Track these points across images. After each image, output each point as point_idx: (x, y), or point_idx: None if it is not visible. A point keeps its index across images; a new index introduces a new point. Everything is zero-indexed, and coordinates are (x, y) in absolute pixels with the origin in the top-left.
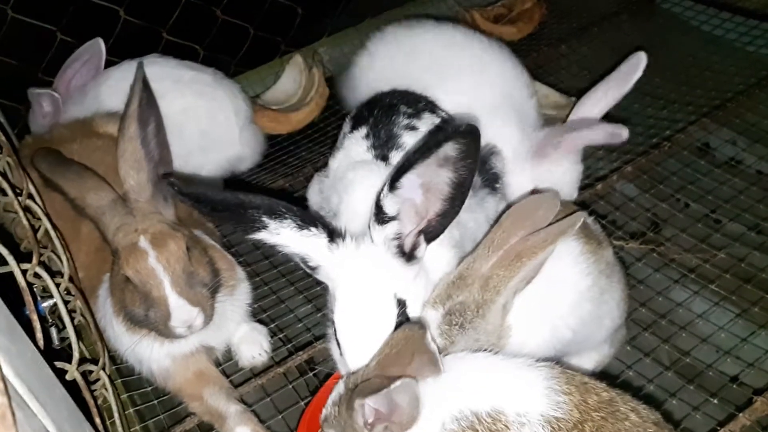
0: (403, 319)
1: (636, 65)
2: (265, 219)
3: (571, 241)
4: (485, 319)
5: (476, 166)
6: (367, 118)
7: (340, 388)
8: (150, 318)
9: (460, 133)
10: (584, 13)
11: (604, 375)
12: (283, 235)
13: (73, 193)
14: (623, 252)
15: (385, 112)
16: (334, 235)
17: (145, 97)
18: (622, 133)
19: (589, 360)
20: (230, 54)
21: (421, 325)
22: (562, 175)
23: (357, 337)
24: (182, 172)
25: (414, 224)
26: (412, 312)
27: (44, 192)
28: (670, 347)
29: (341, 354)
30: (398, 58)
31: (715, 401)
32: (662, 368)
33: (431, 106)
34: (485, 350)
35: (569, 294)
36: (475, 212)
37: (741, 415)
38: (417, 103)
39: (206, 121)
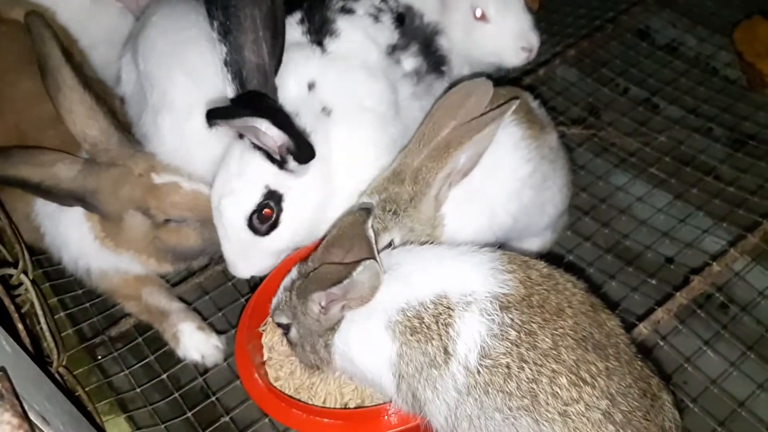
0: (268, 204)
1: None
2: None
3: (511, 126)
4: (418, 210)
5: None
6: (301, 1)
7: (293, 273)
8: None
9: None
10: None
11: (546, 260)
12: None
13: (36, 176)
14: (565, 138)
15: None
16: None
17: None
18: None
19: (532, 246)
20: None
21: (366, 211)
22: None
23: (216, 208)
24: None
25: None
26: (291, 206)
27: None
28: (609, 231)
29: None
30: None
31: (653, 282)
32: (602, 251)
33: None
34: (427, 242)
35: (509, 181)
36: (422, 99)
37: (678, 294)
38: None
39: None
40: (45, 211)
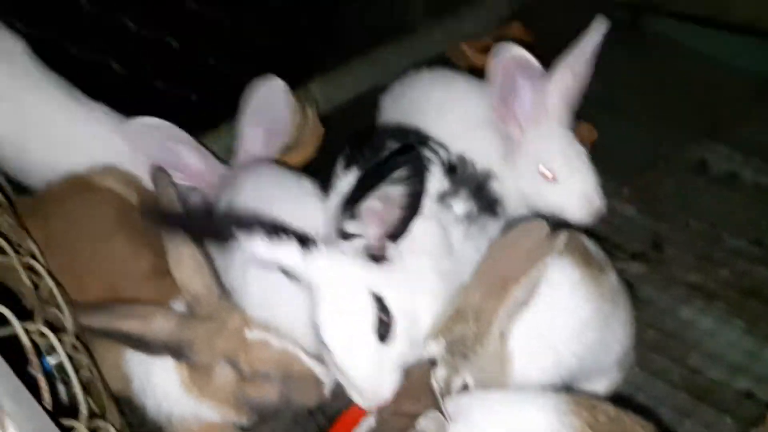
0: (381, 313)
1: None
2: (233, 228)
3: (568, 268)
4: (485, 348)
5: (425, 177)
6: (357, 158)
7: (371, 422)
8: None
9: (402, 161)
10: (569, 40)
11: (615, 399)
12: (253, 243)
13: (137, 330)
14: (626, 274)
15: (374, 152)
16: (305, 241)
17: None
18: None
19: (600, 385)
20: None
21: (431, 363)
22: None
23: (341, 331)
24: None
25: (377, 229)
26: (393, 307)
27: (46, 248)
28: (680, 367)
29: (331, 357)
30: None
31: (729, 419)
32: (674, 389)
33: (423, 141)
34: (497, 380)
35: (570, 322)
36: (477, 240)
37: (755, 430)
38: (406, 139)
39: None
40: (136, 358)
